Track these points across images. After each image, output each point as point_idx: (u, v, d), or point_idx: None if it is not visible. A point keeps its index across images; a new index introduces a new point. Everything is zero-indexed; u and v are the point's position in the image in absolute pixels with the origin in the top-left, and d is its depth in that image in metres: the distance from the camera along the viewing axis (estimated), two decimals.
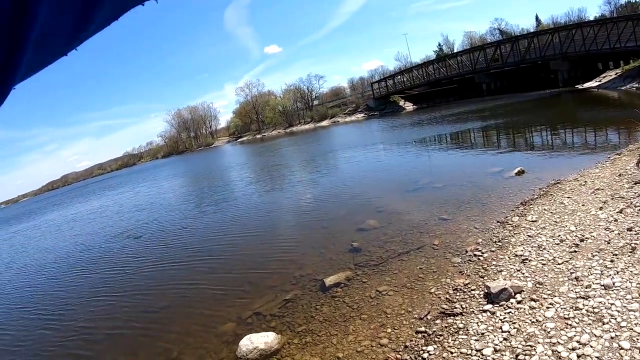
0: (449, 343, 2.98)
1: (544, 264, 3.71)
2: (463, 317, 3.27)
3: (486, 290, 3.50)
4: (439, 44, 46.73)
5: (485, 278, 3.84)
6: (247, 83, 59.51)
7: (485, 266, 4.09)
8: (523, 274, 3.66)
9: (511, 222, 5.09)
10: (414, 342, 3.12)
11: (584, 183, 5.79)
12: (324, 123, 40.97)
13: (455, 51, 36.98)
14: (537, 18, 40.78)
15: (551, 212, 5.01)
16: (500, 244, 4.55)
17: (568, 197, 5.37)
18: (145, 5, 0.56)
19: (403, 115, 29.89)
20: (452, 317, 3.33)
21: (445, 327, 3.21)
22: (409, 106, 33.71)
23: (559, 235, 4.23)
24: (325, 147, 22.08)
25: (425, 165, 10.82)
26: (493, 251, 4.41)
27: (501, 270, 3.89)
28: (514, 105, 19.22)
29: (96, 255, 9.30)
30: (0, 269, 11.52)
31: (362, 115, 37.26)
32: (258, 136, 49.24)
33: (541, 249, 4.05)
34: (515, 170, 7.44)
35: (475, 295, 3.58)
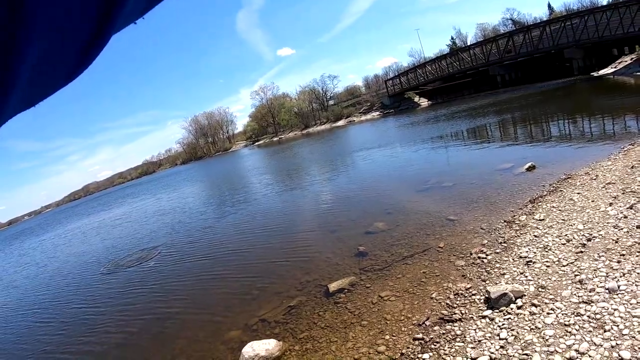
0: (444, 350, 2.91)
1: (548, 266, 3.57)
2: (462, 324, 3.19)
3: (487, 295, 3.40)
4: (452, 38, 45.73)
5: (487, 282, 3.73)
6: (262, 87, 59.94)
7: (489, 269, 3.98)
8: (526, 277, 3.53)
9: (518, 222, 4.92)
10: (410, 350, 3.07)
11: (594, 177, 5.53)
12: (340, 123, 40.76)
13: (468, 44, 36.05)
14: (549, 6, 39.14)
15: (559, 210, 4.81)
16: (505, 245, 4.41)
17: (578, 193, 5.13)
18: (157, 13, 0.52)
19: (418, 111, 29.37)
20: (450, 324, 3.25)
21: (443, 333, 3.14)
22: (424, 102, 33.09)
23: (566, 235, 4.05)
24: (341, 148, 22.03)
25: (437, 163, 10.60)
26: (498, 253, 4.28)
27: (504, 274, 3.76)
28: (528, 96, 18.54)
29: (112, 261, 9.63)
30: (30, 273, 12.16)
31: (377, 113, 36.83)
32: (275, 139, 49.54)
33: (546, 250, 3.89)
34: (526, 166, 7.19)
35: (476, 300, 3.48)
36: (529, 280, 3.45)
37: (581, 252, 3.63)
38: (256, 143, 52.79)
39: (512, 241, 4.43)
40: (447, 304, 3.59)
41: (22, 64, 0.29)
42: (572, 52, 19.91)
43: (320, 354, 3.46)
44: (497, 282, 3.63)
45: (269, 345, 3.67)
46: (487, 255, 4.30)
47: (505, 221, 5.12)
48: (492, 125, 14.19)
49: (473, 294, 3.59)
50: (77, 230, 20.48)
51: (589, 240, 3.79)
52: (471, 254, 4.48)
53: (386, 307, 3.88)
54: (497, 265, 3.99)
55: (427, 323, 3.37)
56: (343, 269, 5.15)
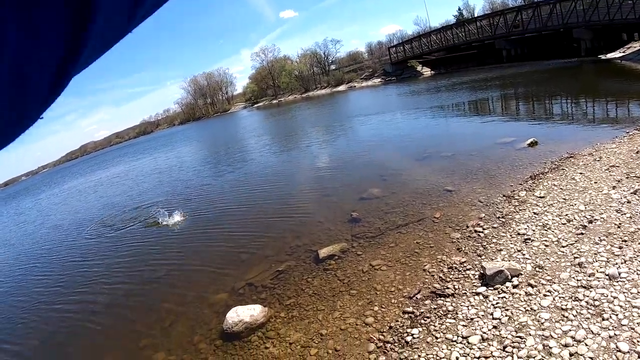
0: (435, 327, 2.77)
1: (547, 246, 3.38)
2: (454, 299, 3.04)
3: (481, 271, 3.23)
4: (459, 9, 43.09)
5: (483, 257, 3.55)
6: (263, 48, 56.77)
7: (485, 244, 3.79)
8: (523, 255, 3.34)
9: (517, 197, 4.69)
10: (399, 323, 2.92)
11: (598, 158, 5.24)
12: (341, 88, 39.41)
13: (475, 16, 34.15)
14: None
15: (561, 189, 4.57)
16: (503, 220, 4.20)
17: (580, 173, 4.87)
18: None
19: (420, 80, 28.30)
20: (442, 298, 3.10)
21: (434, 308, 2.99)
22: (427, 71, 31.83)
23: (567, 215, 3.84)
24: (340, 112, 21.31)
25: (438, 133, 10.20)
26: (495, 228, 4.08)
27: (501, 250, 3.58)
28: (534, 73, 17.71)
29: (106, 219, 9.47)
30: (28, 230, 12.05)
31: (379, 80, 35.52)
32: (274, 101, 47.96)
33: (546, 229, 3.69)
34: (528, 141, 6.86)
35: (470, 275, 3.32)
36: (527, 258, 3.27)
37: (582, 234, 3.42)
38: (255, 105, 51.20)
39: (510, 217, 4.21)
40: (440, 277, 3.42)
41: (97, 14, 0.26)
42: (581, 33, 18.82)
43: (306, 322, 3.33)
44: (494, 258, 3.45)
45: (253, 311, 3.53)
46: (484, 229, 4.10)
47: (504, 195, 4.89)
48: (495, 98, 13.59)
49: (467, 269, 3.42)
50: (74, 189, 20.09)
51: (590, 222, 3.58)
52: (467, 227, 4.28)
53: (377, 276, 3.72)
54: (494, 240, 3.79)
55: (418, 296, 3.22)
56: (335, 235, 4.97)
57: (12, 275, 7.45)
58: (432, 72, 31.41)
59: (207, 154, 18.85)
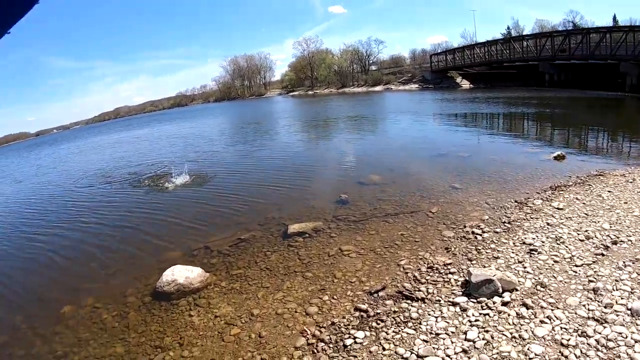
0: (387, 334, 2.11)
1: (556, 262, 2.60)
2: (423, 306, 2.35)
3: (466, 278, 2.51)
4: (508, 27, 40.03)
5: (474, 262, 2.82)
6: (306, 38, 55.17)
7: (480, 248, 3.04)
8: (524, 267, 2.59)
9: (531, 205, 3.86)
10: (345, 321, 2.28)
11: (631, 180, 4.29)
12: (377, 88, 38.14)
13: (523, 34, 31.83)
14: (614, 18, 32.91)
15: (583, 203, 3.70)
16: (509, 225, 3.42)
17: (609, 191, 3.96)
18: None
19: (458, 91, 26.75)
20: (409, 302, 2.42)
21: (395, 312, 2.32)
22: (466, 84, 30.28)
23: (587, 231, 3.01)
24: (373, 108, 20.20)
25: (460, 136, 9.16)
26: (497, 232, 3.31)
27: (497, 257, 2.82)
28: (573, 99, 15.85)
29: (110, 171, 9.33)
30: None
31: (416, 86, 34.08)
32: (310, 92, 47.14)
33: (558, 242, 2.89)
34: (555, 154, 5.87)
35: (452, 280, 2.60)
36: (527, 272, 2.51)
37: (602, 254, 2.62)
38: (290, 93, 50.47)
39: (518, 223, 3.42)
40: (414, 276, 2.73)
41: None
42: (628, 67, 16.79)
43: (244, 297, 2.76)
44: (486, 265, 2.71)
45: (190, 273, 3.01)
46: (483, 232, 3.34)
47: (516, 201, 4.06)
48: (530, 116, 12.08)
49: (450, 272, 2.70)
50: (95, 144, 20.43)
51: (614, 243, 2.75)
52: (465, 226, 3.52)
53: (341, 263, 3.08)
54: (492, 246, 3.04)
55: (381, 294, 2.56)
56: (315, 213, 4.34)
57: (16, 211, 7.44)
58: (470, 85, 29.92)
59: (228, 127, 18.58)
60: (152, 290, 3.04)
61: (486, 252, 2.94)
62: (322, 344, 2.09)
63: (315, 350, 2.06)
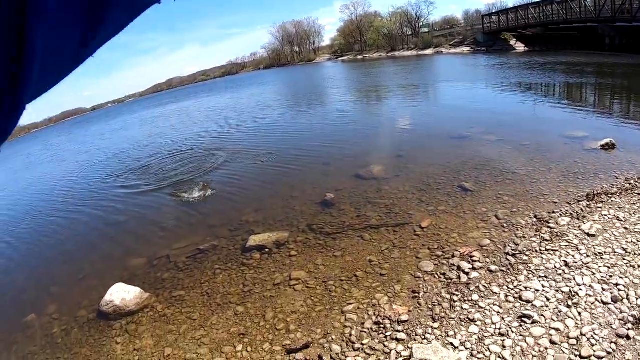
0: None
1: (553, 343, 1.70)
2: None
3: (409, 354, 1.76)
4: None
5: (436, 325, 2.01)
6: (353, 1, 51.09)
7: (457, 299, 2.19)
8: (503, 348, 1.74)
9: (553, 225, 2.78)
10: None
11: None
12: (427, 52, 34.65)
13: None
14: None
15: (626, 228, 2.53)
16: (512, 260, 2.46)
17: None
18: None
19: (512, 54, 22.83)
20: None
21: None
22: (520, 47, 26.00)
23: (617, 285, 1.97)
24: (422, 76, 18.18)
25: (497, 110, 7.46)
26: (491, 272, 2.39)
27: (474, 320, 1.98)
28: (638, 65, 12.24)
29: (134, 150, 9.47)
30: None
31: (468, 49, 30.20)
32: (359, 57, 44.50)
33: (569, 303, 1.92)
34: (603, 142, 4.32)
35: (392, 355, 1.86)
36: (513, 356, 1.67)
37: (627, 337, 1.65)
38: (340, 58, 48.17)
39: (526, 258, 2.44)
40: (350, 336, 2.04)
41: (34, 55, 0.27)
42: None
43: (167, 329, 2.43)
44: (451, 334, 1.90)
45: (127, 294, 2.70)
46: (473, 268, 2.45)
47: (535, 216, 2.98)
48: (587, 87, 9.49)
49: (397, 338, 1.96)
50: (140, 119, 21.31)
51: None
52: (453, 256, 2.64)
53: (281, 298, 2.50)
54: (475, 297, 2.17)
55: (298, 356, 1.93)
56: (290, 218, 3.77)
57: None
58: (525, 48, 25.67)
59: (265, 98, 18.18)
60: (96, 308, 2.81)
61: (461, 309, 2.09)
62: None
63: None
